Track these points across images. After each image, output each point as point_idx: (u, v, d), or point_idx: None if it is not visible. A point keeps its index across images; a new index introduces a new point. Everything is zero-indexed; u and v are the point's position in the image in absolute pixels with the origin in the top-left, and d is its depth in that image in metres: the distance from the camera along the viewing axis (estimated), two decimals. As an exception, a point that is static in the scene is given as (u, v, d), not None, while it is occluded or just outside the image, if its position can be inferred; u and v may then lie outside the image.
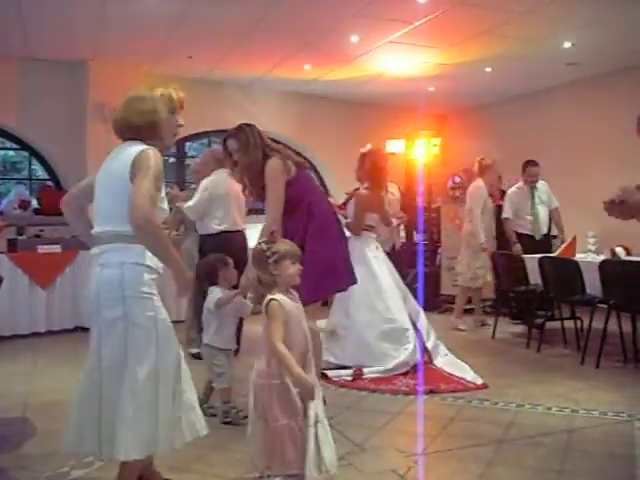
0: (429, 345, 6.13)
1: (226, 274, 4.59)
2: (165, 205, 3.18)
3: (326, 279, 4.32)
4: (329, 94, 11.18)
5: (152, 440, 2.91)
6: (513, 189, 8.34)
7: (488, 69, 9.60)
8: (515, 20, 7.51)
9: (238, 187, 5.31)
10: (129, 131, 3.18)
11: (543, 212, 8.13)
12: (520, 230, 8.10)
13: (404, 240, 6.72)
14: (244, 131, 4.42)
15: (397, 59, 9.23)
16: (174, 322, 3.19)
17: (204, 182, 6.17)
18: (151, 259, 2.98)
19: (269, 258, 3.13)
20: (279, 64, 9.48)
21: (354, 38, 8.28)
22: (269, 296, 3.10)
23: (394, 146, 9.99)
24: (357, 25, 7.80)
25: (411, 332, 5.92)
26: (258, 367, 3.15)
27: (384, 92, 10.87)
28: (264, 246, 3.18)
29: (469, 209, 8.16)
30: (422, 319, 6.23)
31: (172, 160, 11.03)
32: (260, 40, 8.29)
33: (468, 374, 5.70)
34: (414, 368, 5.76)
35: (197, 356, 5.70)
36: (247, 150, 4.36)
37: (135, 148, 3.05)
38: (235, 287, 4.53)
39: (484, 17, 7.45)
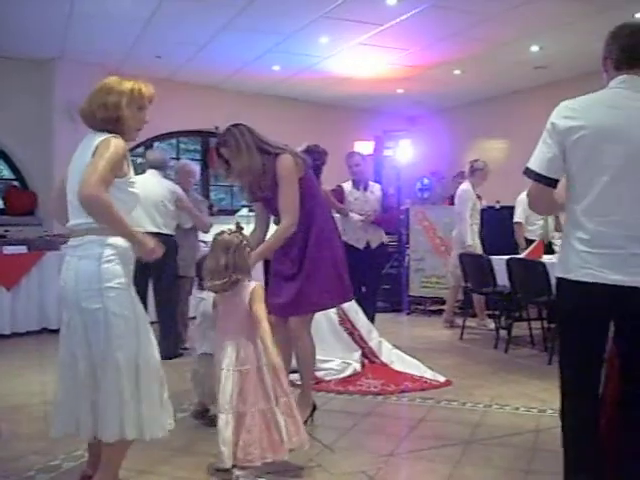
0: (372, 344, 6.12)
1: None
2: (135, 189, 3.20)
3: (335, 287, 4.23)
4: (298, 95, 11.18)
5: (137, 424, 3.01)
6: (525, 194, 8.28)
7: (457, 71, 9.67)
8: (484, 23, 7.57)
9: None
10: (94, 122, 3.21)
11: (551, 218, 8.05)
12: (529, 236, 8.00)
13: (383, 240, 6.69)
14: (232, 135, 4.11)
15: (367, 61, 9.25)
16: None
17: None
18: (125, 251, 3.05)
19: (246, 247, 3.40)
20: (248, 65, 9.46)
21: (323, 39, 8.28)
22: (253, 282, 3.44)
23: (363, 147, 10.02)
24: (326, 26, 7.81)
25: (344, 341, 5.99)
26: (243, 353, 3.35)
27: (353, 94, 10.89)
28: (240, 237, 3.44)
29: (458, 212, 8.15)
30: (361, 318, 6.21)
31: (140, 160, 10.94)
32: (229, 40, 8.26)
33: (426, 372, 5.73)
34: (369, 367, 5.83)
35: None
36: (240, 153, 4.08)
37: (99, 137, 3.11)
38: None
39: (453, 20, 7.50)
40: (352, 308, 6.07)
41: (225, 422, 3.29)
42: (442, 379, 5.57)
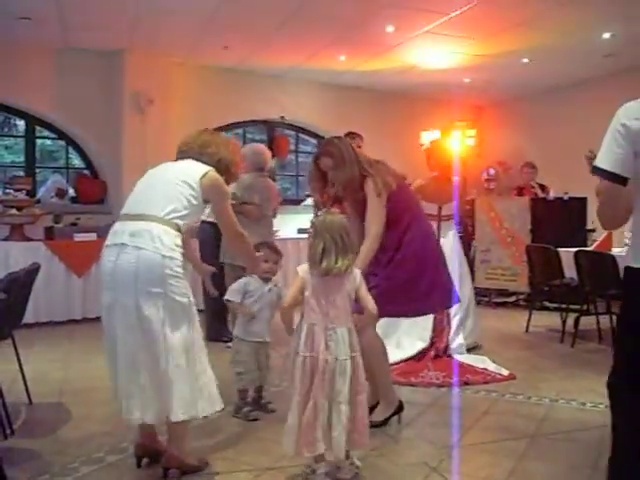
0: (456, 342, 6.10)
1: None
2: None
3: (392, 301, 4.10)
4: (363, 85, 11.14)
5: (193, 403, 3.23)
6: None
7: (525, 60, 9.50)
8: (552, 11, 7.41)
9: None
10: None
11: None
12: None
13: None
14: (336, 146, 4.16)
15: (433, 50, 9.16)
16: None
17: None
18: (180, 243, 3.32)
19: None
20: (314, 55, 9.46)
21: (390, 28, 8.23)
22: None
23: (429, 137, 9.96)
24: (392, 15, 7.75)
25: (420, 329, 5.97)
26: (354, 339, 3.35)
27: (419, 83, 10.80)
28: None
29: None
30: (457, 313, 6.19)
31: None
32: (295, 31, 8.28)
33: (489, 365, 5.69)
34: (431, 360, 5.81)
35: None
36: (343, 165, 4.10)
37: (200, 165, 3.59)
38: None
39: (521, 8, 7.37)
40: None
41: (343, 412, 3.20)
42: (505, 372, 5.52)
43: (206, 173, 3.48)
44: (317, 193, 4.52)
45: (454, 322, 6.16)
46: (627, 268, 2.64)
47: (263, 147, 7.01)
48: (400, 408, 4.30)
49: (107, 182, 9.54)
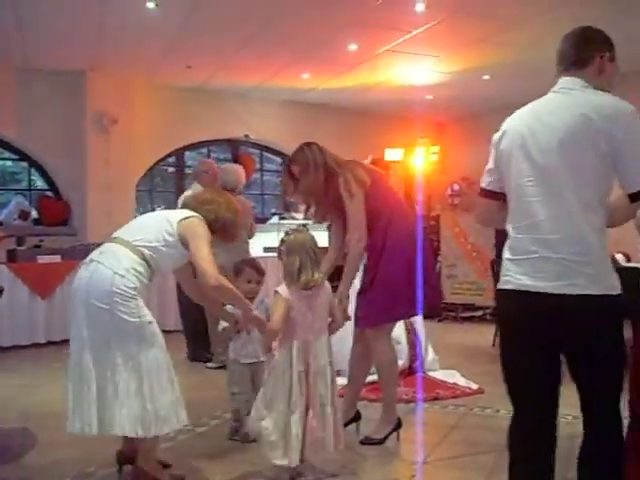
0: (428, 357, 6.12)
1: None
2: None
3: (406, 298, 4.12)
4: (327, 102, 11.19)
5: (142, 421, 3.23)
6: None
7: (486, 77, 9.62)
8: (513, 27, 7.52)
9: None
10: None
11: None
12: None
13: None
14: (303, 152, 4.23)
15: (396, 67, 9.24)
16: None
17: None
18: (143, 270, 3.39)
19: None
20: (277, 73, 9.49)
21: (353, 47, 8.29)
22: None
23: (393, 155, 10.02)
24: (355, 34, 7.81)
25: (402, 346, 5.87)
26: (332, 349, 3.64)
27: (383, 100, 10.88)
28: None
29: None
30: (420, 328, 6.20)
31: (171, 170, 11.04)
32: (258, 49, 8.30)
33: (459, 379, 5.73)
34: (403, 377, 5.75)
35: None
36: (307, 172, 4.13)
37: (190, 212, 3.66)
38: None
39: (482, 25, 7.47)
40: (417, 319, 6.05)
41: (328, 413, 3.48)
42: (475, 386, 5.56)
43: (189, 217, 3.57)
44: (291, 197, 4.52)
45: (421, 336, 6.16)
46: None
47: (234, 167, 7.02)
48: (399, 425, 4.29)
49: (71, 203, 9.46)
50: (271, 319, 3.53)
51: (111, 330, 3.24)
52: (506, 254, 2.61)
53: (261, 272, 4.47)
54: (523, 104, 2.75)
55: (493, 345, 7.45)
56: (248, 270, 4.38)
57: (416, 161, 10.75)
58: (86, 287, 3.31)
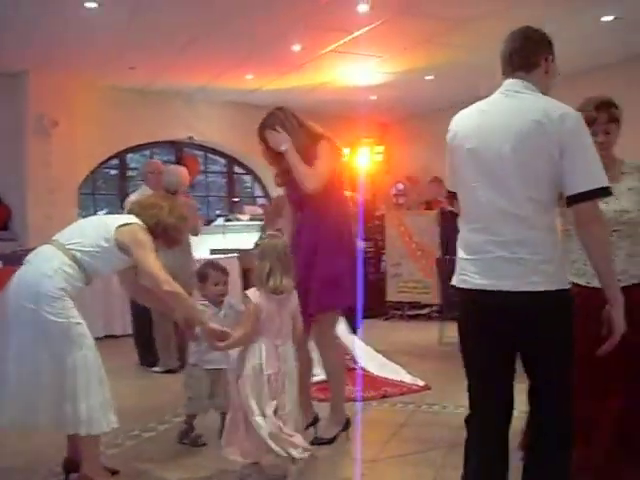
0: (353, 350, 6.14)
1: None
2: None
3: (346, 288, 4.11)
4: (272, 103, 10.89)
5: (67, 422, 3.24)
6: None
7: (430, 77, 9.71)
8: (456, 28, 7.61)
9: None
10: None
11: None
12: None
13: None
14: (277, 117, 4.20)
15: (340, 68, 9.27)
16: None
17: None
18: (74, 273, 3.38)
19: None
20: (221, 74, 9.44)
21: (296, 47, 8.29)
22: None
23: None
24: (299, 34, 7.81)
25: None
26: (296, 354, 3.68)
27: (327, 101, 10.90)
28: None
29: None
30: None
31: (114, 172, 10.90)
32: (202, 51, 8.24)
33: (405, 377, 5.77)
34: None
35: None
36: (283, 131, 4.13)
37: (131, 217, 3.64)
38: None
39: (425, 26, 7.53)
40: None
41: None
42: (421, 383, 5.61)
43: (128, 223, 3.55)
44: (269, 161, 4.44)
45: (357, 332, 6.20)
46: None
47: (176, 168, 6.96)
48: (347, 424, 4.30)
49: (11, 207, 9.26)
50: (241, 327, 3.57)
51: (37, 330, 3.25)
52: (461, 253, 2.66)
53: (225, 272, 4.44)
54: (466, 105, 2.79)
55: (440, 342, 7.52)
56: (213, 273, 4.33)
57: (360, 161, 10.80)
58: (15, 288, 3.34)
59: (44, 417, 3.25)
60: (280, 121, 4.16)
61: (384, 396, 5.31)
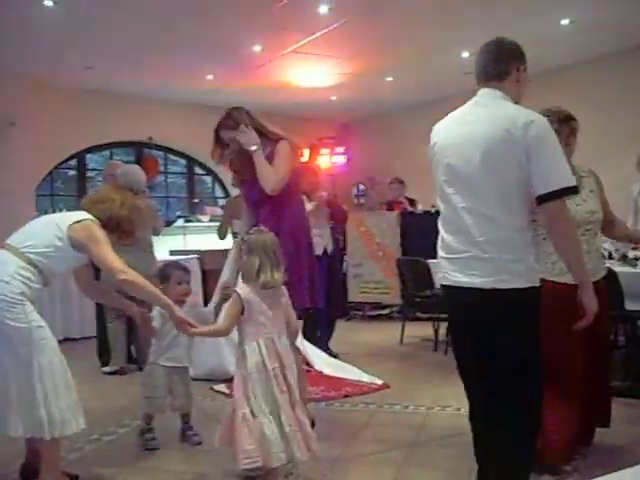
0: (305, 354, 6.13)
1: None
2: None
3: (308, 289, 4.17)
4: (232, 103, 10.96)
5: (41, 426, 3.19)
6: None
7: (389, 78, 9.77)
8: (414, 30, 7.66)
9: None
10: None
11: None
12: None
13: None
14: (233, 116, 4.22)
15: (300, 69, 9.29)
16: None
17: None
18: (31, 275, 3.33)
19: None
20: (181, 74, 9.40)
21: (257, 48, 8.29)
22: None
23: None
24: (260, 35, 7.82)
25: None
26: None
27: (288, 102, 10.90)
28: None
29: None
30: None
31: (72, 173, 10.78)
32: (161, 50, 8.20)
33: (363, 376, 5.80)
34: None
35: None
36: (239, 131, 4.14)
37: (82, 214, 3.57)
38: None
39: (385, 27, 7.58)
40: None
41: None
42: (379, 382, 5.63)
43: (80, 220, 3.49)
44: (218, 161, 4.42)
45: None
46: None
47: (132, 167, 6.88)
48: (312, 425, 4.26)
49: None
50: (221, 318, 3.59)
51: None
52: (441, 253, 2.91)
53: (187, 271, 4.41)
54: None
55: (401, 342, 7.56)
56: (175, 272, 4.29)
57: (321, 161, 10.81)
58: None
59: (15, 423, 3.19)
60: (244, 120, 4.18)
61: (345, 396, 5.32)
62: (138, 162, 10.56)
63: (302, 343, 6.08)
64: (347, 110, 11.85)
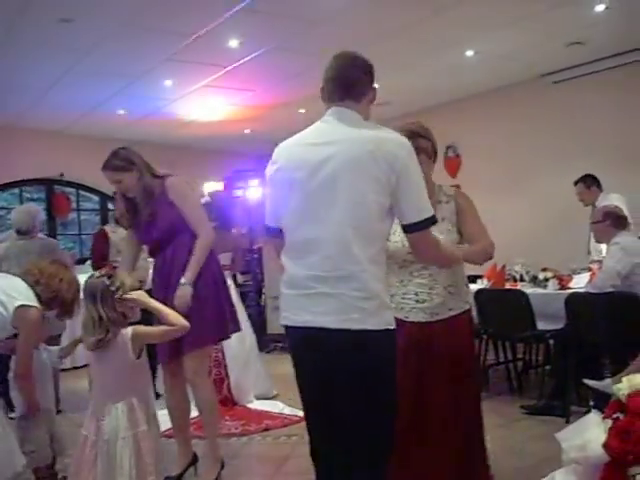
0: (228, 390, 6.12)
1: None
2: None
3: (214, 326, 3.99)
4: (145, 139, 11.00)
5: None
6: None
7: (302, 110, 9.85)
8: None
9: None
10: None
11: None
12: None
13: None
14: (120, 156, 4.15)
15: (212, 103, 9.29)
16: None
17: None
18: None
19: (117, 290, 3.02)
20: (92, 110, 9.28)
21: (168, 82, 8.26)
22: (127, 328, 3.04)
23: (212, 188, 10.03)
24: (171, 69, 7.79)
25: None
26: (137, 414, 3.01)
27: (201, 135, 10.89)
28: (106, 280, 3.02)
29: None
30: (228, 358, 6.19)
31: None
32: (73, 84, 8.09)
33: (284, 409, 5.79)
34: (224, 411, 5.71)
35: None
36: (130, 170, 4.10)
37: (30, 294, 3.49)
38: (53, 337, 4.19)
39: (296, 60, 7.65)
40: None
41: None
42: (301, 414, 5.59)
43: (28, 307, 3.39)
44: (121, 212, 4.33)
45: (235, 370, 6.17)
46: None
47: (26, 207, 6.63)
48: (222, 465, 4.18)
49: None
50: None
51: None
52: (284, 289, 2.55)
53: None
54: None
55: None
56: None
57: (237, 194, 10.78)
58: None
59: None
60: (123, 158, 4.16)
61: (266, 429, 5.29)
62: (49, 200, 10.37)
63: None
64: (262, 142, 11.87)
